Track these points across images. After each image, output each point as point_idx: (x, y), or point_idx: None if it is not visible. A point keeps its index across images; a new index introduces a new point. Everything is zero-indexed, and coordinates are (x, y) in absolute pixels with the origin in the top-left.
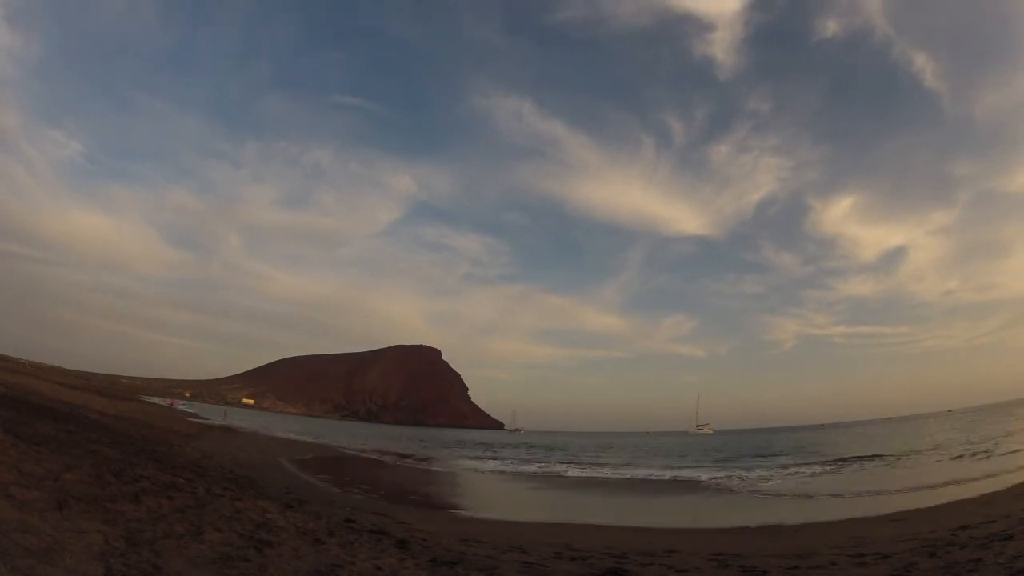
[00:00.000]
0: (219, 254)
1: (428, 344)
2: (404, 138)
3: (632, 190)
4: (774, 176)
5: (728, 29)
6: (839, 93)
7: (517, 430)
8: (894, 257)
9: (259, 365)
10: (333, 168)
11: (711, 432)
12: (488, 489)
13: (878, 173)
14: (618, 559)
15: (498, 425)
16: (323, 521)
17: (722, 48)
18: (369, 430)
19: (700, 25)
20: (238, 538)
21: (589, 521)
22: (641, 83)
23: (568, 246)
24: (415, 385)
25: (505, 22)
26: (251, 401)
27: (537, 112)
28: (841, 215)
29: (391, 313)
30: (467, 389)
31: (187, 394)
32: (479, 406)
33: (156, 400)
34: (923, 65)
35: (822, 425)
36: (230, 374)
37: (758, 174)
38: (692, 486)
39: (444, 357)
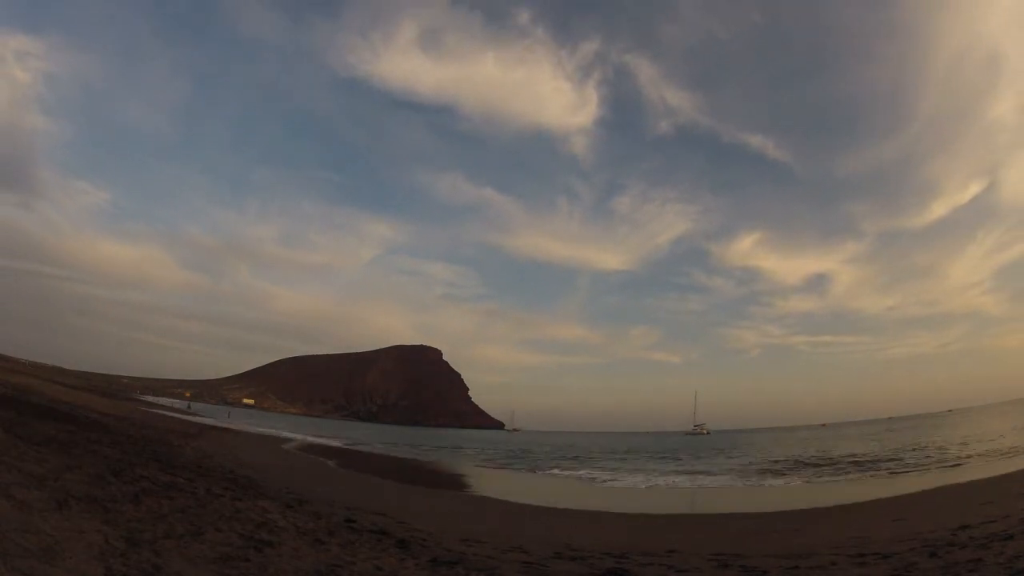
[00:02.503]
0: (228, 277)
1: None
2: (371, 200)
3: (557, 239)
4: (681, 219)
5: (583, 135)
6: (713, 160)
7: (515, 430)
8: (819, 281)
9: (259, 365)
10: (320, 218)
11: (707, 432)
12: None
13: (775, 215)
14: (618, 559)
15: (498, 425)
16: (323, 521)
17: (581, 146)
18: (380, 431)
19: (561, 135)
20: (238, 538)
21: None
22: (539, 162)
23: (521, 276)
24: (415, 385)
25: (425, 129)
26: (251, 401)
27: (469, 183)
28: (748, 249)
29: (384, 323)
30: (467, 389)
31: (187, 394)
32: (479, 406)
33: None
34: (760, 144)
35: (823, 424)
36: (230, 374)
37: (665, 218)
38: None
39: (444, 357)
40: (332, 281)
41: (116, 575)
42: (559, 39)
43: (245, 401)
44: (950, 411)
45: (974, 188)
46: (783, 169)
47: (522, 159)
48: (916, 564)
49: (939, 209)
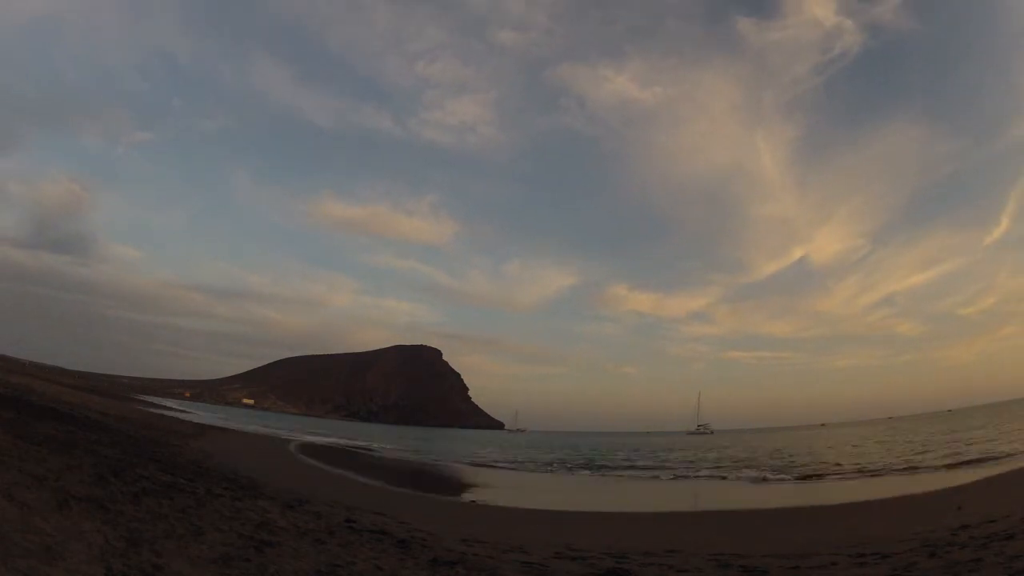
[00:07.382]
0: (240, 306)
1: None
2: (332, 264)
3: (475, 294)
4: (562, 275)
5: (452, 245)
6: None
7: (520, 430)
8: (701, 315)
9: (259, 365)
10: (300, 273)
11: (711, 432)
12: None
13: (625, 273)
14: (618, 559)
15: (498, 425)
16: (323, 521)
17: (455, 252)
18: (380, 431)
19: (438, 246)
20: (238, 538)
21: None
22: (440, 256)
23: (465, 312)
24: (415, 385)
25: (354, 234)
26: (251, 401)
27: (398, 258)
28: (624, 295)
29: (370, 337)
30: (467, 389)
31: (187, 394)
32: (479, 406)
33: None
34: (554, 248)
35: (823, 424)
36: (230, 374)
37: (549, 276)
38: None
39: (444, 357)
40: (318, 312)
41: (116, 575)
42: (414, 195)
43: (245, 401)
44: (949, 411)
45: (797, 253)
46: (586, 259)
47: (426, 254)
48: (916, 564)
49: (768, 268)
